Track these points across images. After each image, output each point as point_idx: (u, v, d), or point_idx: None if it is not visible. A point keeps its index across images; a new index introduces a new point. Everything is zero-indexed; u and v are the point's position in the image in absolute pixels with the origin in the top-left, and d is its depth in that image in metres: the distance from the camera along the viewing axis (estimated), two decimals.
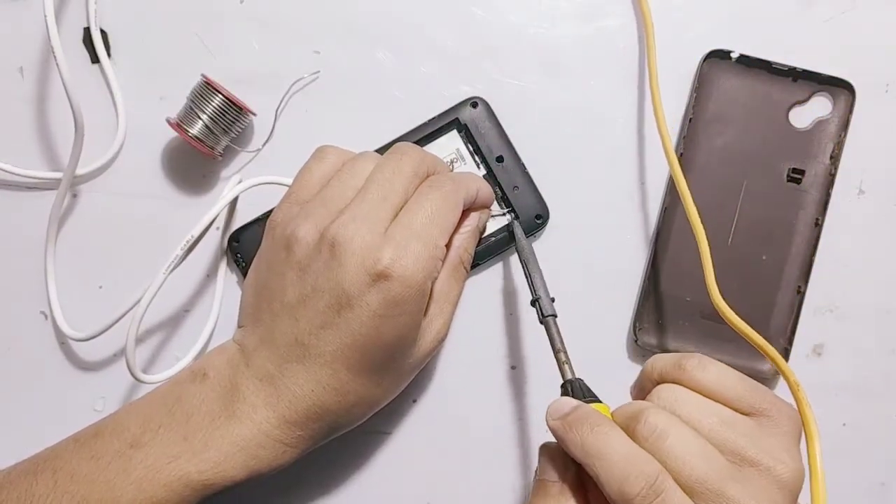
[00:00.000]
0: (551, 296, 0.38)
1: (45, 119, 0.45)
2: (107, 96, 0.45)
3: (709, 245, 0.39)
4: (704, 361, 0.33)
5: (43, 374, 0.45)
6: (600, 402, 0.34)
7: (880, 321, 0.44)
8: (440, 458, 0.44)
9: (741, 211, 0.43)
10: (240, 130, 0.43)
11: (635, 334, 0.43)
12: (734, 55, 0.43)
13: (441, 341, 0.39)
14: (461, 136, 0.44)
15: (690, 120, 0.43)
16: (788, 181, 0.43)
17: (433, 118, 0.43)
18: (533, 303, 0.38)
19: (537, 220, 0.43)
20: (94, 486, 0.34)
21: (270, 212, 0.40)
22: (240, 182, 0.42)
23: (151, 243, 0.44)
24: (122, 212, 0.45)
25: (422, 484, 0.44)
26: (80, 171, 0.44)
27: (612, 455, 0.30)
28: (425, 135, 0.43)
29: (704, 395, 0.32)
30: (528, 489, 0.43)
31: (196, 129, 0.42)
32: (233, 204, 0.44)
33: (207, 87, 0.42)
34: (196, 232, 0.40)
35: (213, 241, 0.44)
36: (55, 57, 0.40)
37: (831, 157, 0.43)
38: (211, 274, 0.44)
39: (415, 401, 0.44)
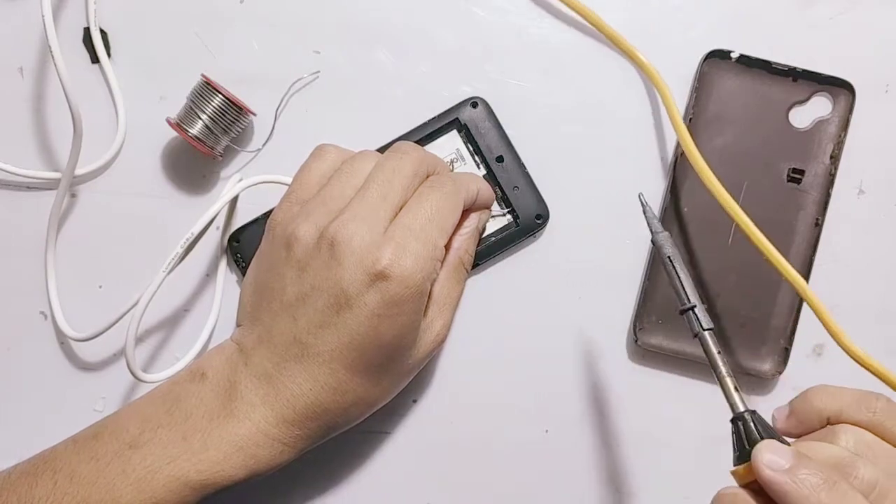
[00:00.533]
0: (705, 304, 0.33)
1: (45, 119, 0.45)
2: (107, 96, 0.45)
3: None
4: (892, 405, 0.30)
5: (43, 374, 0.45)
6: (781, 438, 0.30)
7: (880, 321, 0.44)
8: (440, 459, 0.44)
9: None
10: (240, 130, 0.43)
11: (635, 334, 0.43)
12: (734, 55, 0.43)
13: (441, 343, 0.39)
14: (461, 136, 0.44)
15: (690, 120, 0.43)
16: (788, 181, 0.43)
17: (433, 118, 0.43)
18: (683, 312, 0.33)
19: (537, 220, 0.43)
20: (93, 487, 0.34)
21: (270, 212, 0.40)
22: (240, 181, 0.42)
23: (151, 243, 0.44)
24: (122, 212, 0.45)
25: (421, 484, 0.44)
26: (80, 170, 0.44)
27: None
28: (425, 135, 0.43)
29: (894, 445, 0.29)
30: (524, 489, 0.43)
31: (196, 129, 0.42)
32: (233, 204, 0.44)
33: (207, 87, 0.42)
34: (196, 230, 0.40)
35: (214, 240, 0.44)
36: (53, 57, 0.40)
37: (831, 157, 0.43)
38: (211, 274, 0.44)
39: (415, 401, 0.44)
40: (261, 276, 0.38)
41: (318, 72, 0.45)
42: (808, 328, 0.43)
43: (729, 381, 0.31)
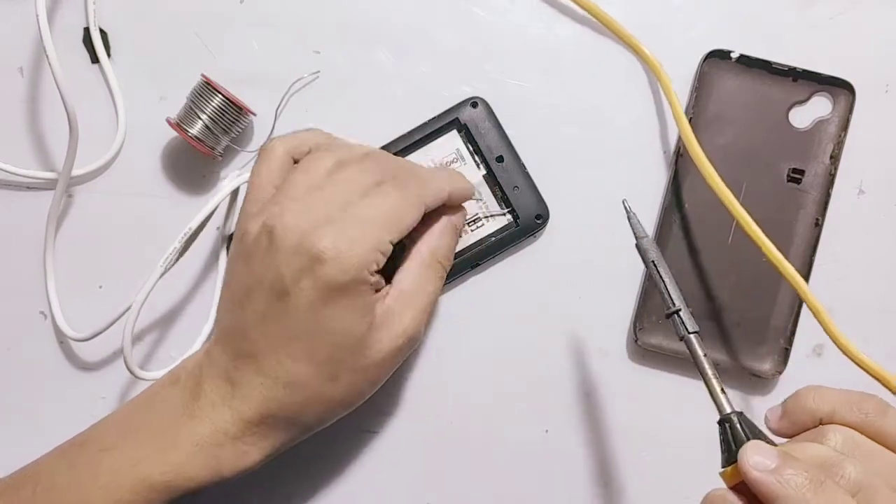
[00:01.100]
0: (690, 308, 0.33)
1: (44, 119, 0.45)
2: (107, 96, 0.45)
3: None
4: (883, 405, 0.30)
5: (43, 374, 0.45)
6: (768, 439, 0.30)
7: (880, 321, 0.44)
8: (440, 459, 0.44)
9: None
10: (240, 130, 0.43)
11: (635, 334, 0.43)
12: (734, 55, 0.43)
13: (412, 341, 0.37)
14: (461, 136, 0.44)
15: (690, 120, 0.43)
16: (788, 181, 0.43)
17: (433, 118, 0.43)
18: (669, 315, 0.33)
19: (537, 220, 0.43)
20: (67, 492, 0.34)
21: None
22: (239, 175, 0.42)
23: (151, 243, 0.44)
24: (122, 211, 0.45)
25: (421, 484, 0.44)
26: (79, 171, 0.44)
27: None
28: (425, 135, 0.43)
29: (879, 443, 0.29)
30: (520, 491, 0.43)
31: (196, 129, 0.42)
32: (232, 202, 0.44)
33: (207, 87, 0.42)
34: (194, 224, 0.40)
35: (212, 240, 0.44)
36: (48, 57, 0.40)
37: (831, 157, 0.43)
38: (209, 273, 0.44)
39: (414, 401, 0.44)
40: (224, 275, 0.38)
41: (318, 72, 0.45)
42: (808, 328, 0.43)
43: (715, 383, 0.31)
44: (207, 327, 0.43)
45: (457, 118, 0.43)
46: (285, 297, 0.34)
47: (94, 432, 0.36)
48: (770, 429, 0.32)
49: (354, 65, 0.45)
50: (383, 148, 0.43)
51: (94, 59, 0.45)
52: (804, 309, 0.42)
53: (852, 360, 0.38)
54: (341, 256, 0.33)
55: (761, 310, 0.43)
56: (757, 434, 0.30)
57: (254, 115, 0.44)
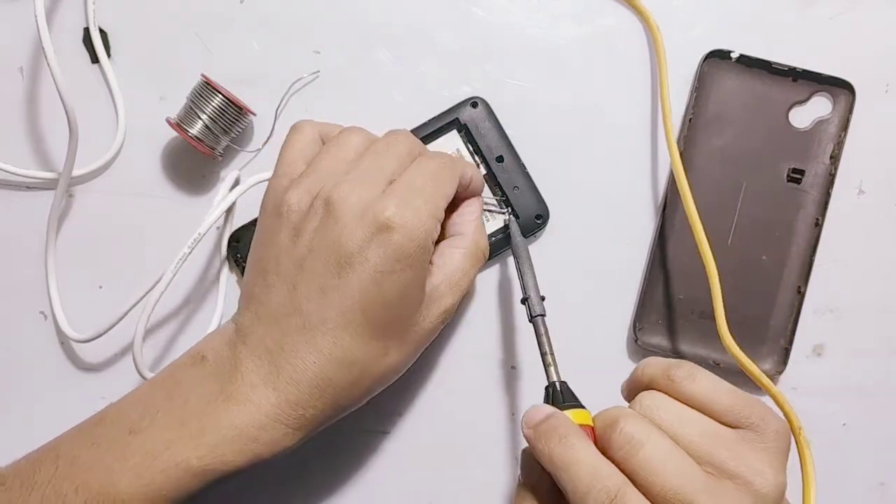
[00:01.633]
0: (542, 294, 0.38)
1: (44, 119, 0.45)
2: (107, 96, 0.45)
3: (709, 244, 0.39)
4: (694, 371, 0.32)
5: (43, 374, 0.45)
6: (582, 407, 0.34)
7: (880, 321, 0.44)
8: (440, 459, 0.44)
9: (741, 211, 0.43)
10: (240, 130, 0.43)
11: (635, 334, 0.43)
12: (734, 55, 0.43)
13: (447, 319, 0.38)
14: (461, 136, 0.44)
15: (690, 120, 0.43)
16: (788, 181, 0.43)
17: (433, 118, 0.43)
18: (523, 301, 0.38)
19: (537, 220, 0.43)
20: (92, 472, 0.33)
21: None
22: (236, 181, 0.42)
23: (151, 243, 0.44)
24: (122, 212, 0.45)
25: (421, 484, 0.44)
26: (80, 170, 0.44)
27: (577, 467, 0.30)
28: (425, 135, 0.43)
29: (691, 406, 0.32)
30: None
31: (196, 129, 0.42)
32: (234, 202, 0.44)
33: (207, 87, 0.42)
34: (203, 229, 0.39)
35: (214, 241, 0.44)
36: (46, 57, 0.40)
37: (831, 157, 0.43)
38: (211, 274, 0.44)
39: (415, 400, 0.44)
40: (255, 252, 0.37)
41: (318, 72, 0.45)
42: (808, 328, 0.43)
43: (548, 357, 0.36)
44: (211, 327, 0.43)
45: (457, 118, 0.43)
46: (347, 268, 0.34)
47: (113, 411, 0.35)
48: (623, 398, 0.35)
49: (354, 65, 0.45)
50: None
51: (94, 59, 0.45)
52: (804, 309, 0.42)
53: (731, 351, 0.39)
54: (408, 225, 0.34)
55: (761, 310, 0.43)
56: (572, 399, 0.34)
57: (254, 115, 0.44)
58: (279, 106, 0.44)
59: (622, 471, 0.30)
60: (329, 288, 0.34)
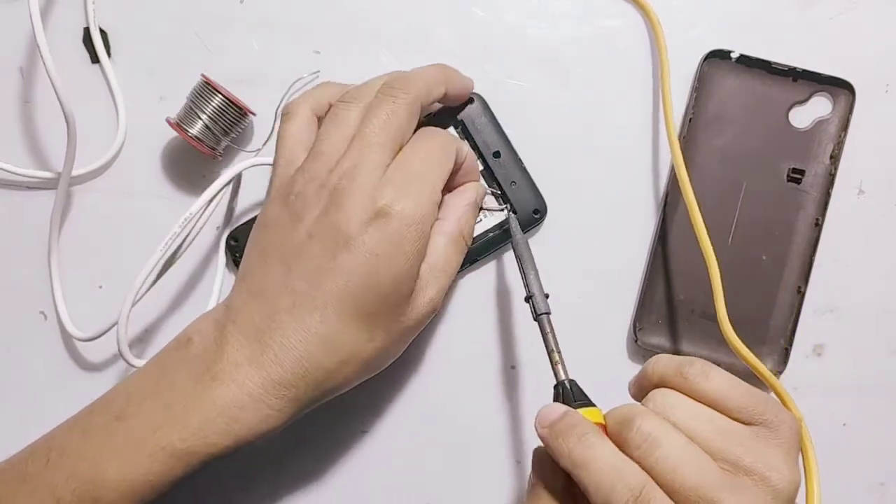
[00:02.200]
0: (546, 292, 0.38)
1: (45, 119, 0.45)
2: (107, 96, 0.45)
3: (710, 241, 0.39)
4: (707, 369, 0.32)
5: (43, 373, 0.45)
6: (593, 405, 0.34)
7: (880, 321, 0.44)
8: (438, 458, 0.44)
9: (741, 211, 0.43)
10: (240, 130, 0.43)
11: (635, 334, 0.43)
12: (734, 55, 0.43)
13: (433, 310, 0.38)
14: (458, 133, 0.44)
15: (690, 120, 0.43)
16: (788, 181, 0.43)
17: (430, 114, 0.43)
18: (527, 299, 0.38)
19: (535, 214, 0.43)
20: (81, 460, 0.33)
21: None
22: (237, 176, 0.42)
23: (151, 243, 0.44)
24: (123, 211, 0.45)
25: (421, 484, 0.44)
26: (80, 170, 0.44)
27: (598, 465, 0.30)
28: None
29: (703, 403, 0.32)
30: (523, 489, 0.43)
31: (196, 129, 0.42)
32: (233, 200, 0.44)
33: (207, 87, 0.42)
34: (194, 209, 0.39)
35: (213, 240, 0.44)
36: (42, 57, 0.40)
37: (831, 157, 0.43)
38: (210, 274, 0.44)
39: (412, 398, 0.44)
40: (256, 235, 0.37)
41: (318, 72, 0.45)
42: (808, 328, 0.43)
43: (556, 356, 0.36)
44: None
45: (454, 114, 0.43)
46: (344, 250, 0.34)
47: (105, 401, 0.36)
48: (630, 395, 0.35)
49: (354, 65, 0.45)
50: None
51: (94, 59, 0.45)
52: (804, 309, 0.42)
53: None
54: (406, 212, 0.34)
55: (761, 310, 0.43)
56: (583, 398, 0.34)
57: (254, 115, 0.44)
58: (279, 106, 0.44)
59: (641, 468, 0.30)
60: (323, 269, 0.34)
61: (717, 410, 0.32)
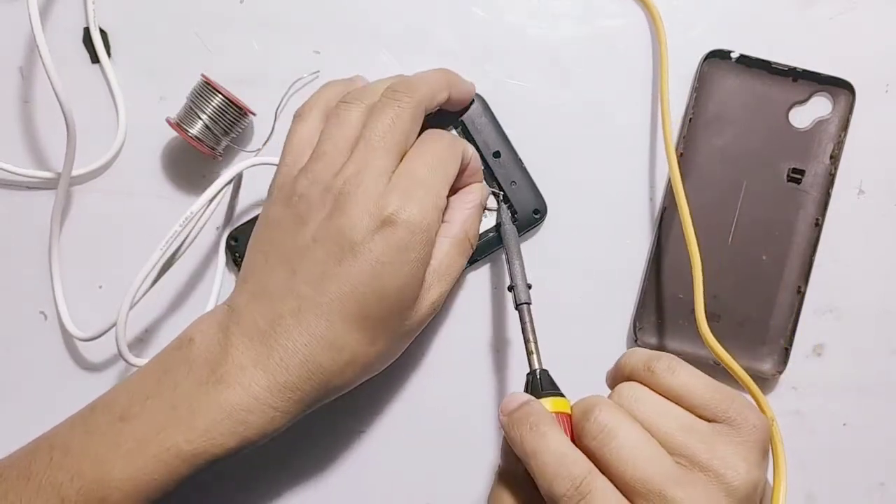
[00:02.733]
0: (529, 283, 0.38)
1: (45, 119, 0.45)
2: (107, 96, 0.45)
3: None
4: (674, 364, 0.33)
5: (43, 373, 0.45)
6: (561, 395, 0.34)
7: (880, 321, 0.44)
8: (438, 458, 0.44)
9: (741, 211, 0.43)
10: (240, 130, 0.43)
11: (635, 334, 0.43)
12: (734, 55, 0.43)
13: (435, 309, 0.38)
14: (458, 133, 0.44)
15: (690, 120, 0.43)
16: (788, 181, 0.43)
17: (430, 114, 0.43)
18: (509, 289, 0.38)
19: (535, 214, 0.43)
20: (85, 460, 0.33)
21: None
22: (237, 176, 0.42)
23: (152, 243, 0.44)
24: (123, 211, 0.45)
25: (420, 484, 0.44)
26: (80, 170, 0.44)
27: (545, 454, 0.30)
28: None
29: (669, 398, 0.32)
30: None
31: (196, 129, 0.42)
32: (233, 200, 0.44)
33: (207, 87, 0.42)
34: (195, 208, 0.40)
35: (213, 240, 0.44)
36: (41, 57, 0.40)
37: (831, 157, 0.43)
38: (210, 273, 0.44)
39: (411, 397, 0.44)
40: (259, 236, 0.37)
41: (318, 72, 0.45)
42: (808, 328, 0.43)
43: (531, 346, 0.36)
44: None
45: (454, 114, 0.43)
46: (350, 257, 0.34)
47: (107, 400, 0.36)
48: (607, 386, 0.35)
49: (354, 65, 0.45)
50: None
51: (95, 59, 0.45)
52: (804, 309, 0.42)
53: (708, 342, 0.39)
54: (412, 219, 0.34)
55: (761, 310, 0.43)
56: (551, 388, 0.35)
57: (254, 115, 0.44)
58: (279, 106, 0.44)
59: (594, 460, 0.30)
60: (328, 274, 0.34)
61: (682, 406, 0.32)
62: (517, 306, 0.38)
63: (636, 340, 0.43)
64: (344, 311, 0.34)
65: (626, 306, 0.44)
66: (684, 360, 0.42)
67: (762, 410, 0.35)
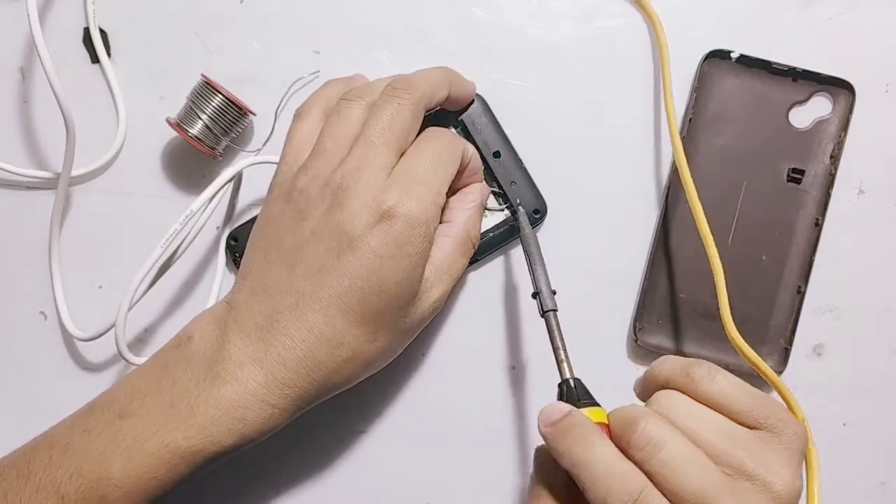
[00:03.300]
0: (553, 289, 0.38)
1: (45, 119, 0.45)
2: (107, 96, 0.45)
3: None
4: (713, 371, 0.32)
5: (43, 374, 0.45)
6: (597, 404, 0.34)
7: (880, 321, 0.44)
8: (438, 458, 0.44)
9: (741, 211, 0.43)
10: (240, 130, 0.43)
11: (635, 334, 0.43)
12: (734, 55, 0.43)
13: (437, 309, 0.38)
14: (458, 133, 0.44)
15: (690, 120, 0.43)
16: (788, 181, 0.43)
17: (430, 115, 0.43)
18: (534, 296, 0.38)
19: (535, 214, 0.43)
20: (85, 458, 0.33)
21: None
22: (237, 174, 0.42)
23: (152, 243, 0.44)
24: (123, 211, 0.45)
25: (420, 484, 0.44)
26: (80, 170, 0.44)
27: (598, 467, 0.30)
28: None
29: (708, 406, 0.32)
30: (522, 489, 0.43)
31: (196, 129, 0.42)
32: (233, 200, 0.44)
33: (207, 87, 0.42)
34: (195, 207, 0.40)
35: (213, 239, 0.44)
36: (40, 57, 0.40)
37: (831, 157, 0.43)
38: (210, 273, 0.44)
39: (411, 396, 0.44)
40: (258, 231, 0.37)
41: (318, 72, 0.45)
42: (808, 328, 0.43)
43: (561, 353, 0.36)
44: None
45: (453, 114, 0.43)
46: (348, 251, 0.34)
47: (106, 399, 0.36)
48: (636, 395, 0.35)
49: (354, 65, 0.45)
50: None
51: (95, 59, 0.45)
52: (804, 309, 0.42)
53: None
54: (411, 214, 0.34)
55: (761, 310, 0.43)
56: (587, 397, 0.34)
57: (254, 115, 0.44)
58: (279, 106, 0.44)
59: (641, 471, 0.30)
60: (327, 269, 0.34)
61: (722, 413, 0.31)
62: (543, 314, 0.37)
63: (636, 340, 0.43)
64: (342, 306, 0.34)
65: (626, 306, 0.44)
66: (703, 360, 0.43)
67: (793, 412, 0.35)
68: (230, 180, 0.41)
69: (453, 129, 0.43)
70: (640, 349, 0.43)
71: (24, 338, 0.45)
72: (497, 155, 0.43)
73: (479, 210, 0.40)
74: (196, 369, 0.35)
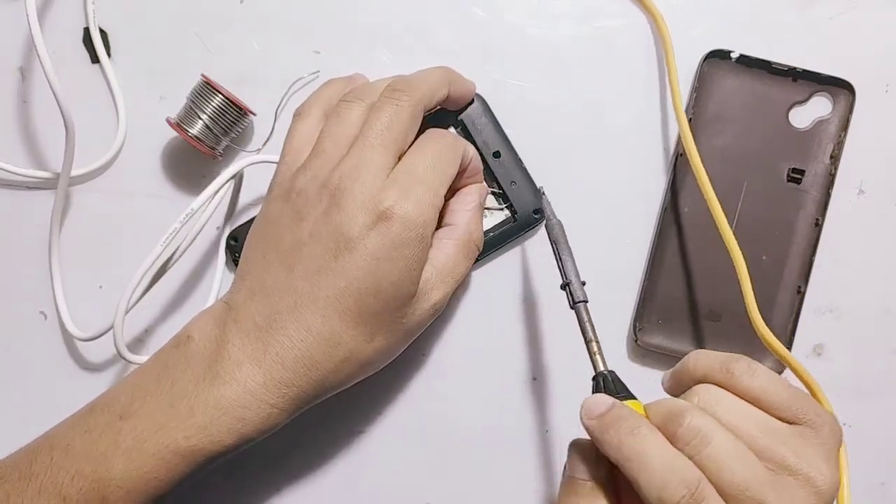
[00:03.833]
0: (583, 280, 0.37)
1: (45, 119, 0.45)
2: (107, 96, 0.45)
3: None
4: (753, 366, 0.32)
5: (43, 374, 0.45)
6: (634, 397, 0.33)
7: (880, 321, 0.44)
8: (438, 458, 0.44)
9: (741, 211, 0.43)
10: (240, 130, 0.43)
11: (635, 334, 0.43)
12: (734, 55, 0.43)
13: (437, 311, 0.38)
14: (458, 132, 0.44)
15: (690, 120, 0.43)
16: (788, 181, 0.43)
17: (430, 115, 0.43)
18: (563, 287, 0.37)
19: (535, 214, 0.43)
20: (86, 459, 0.34)
21: None
22: (238, 173, 0.42)
23: (152, 243, 0.44)
24: (123, 211, 0.45)
25: (420, 484, 0.44)
26: (80, 170, 0.44)
27: (652, 460, 0.29)
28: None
29: (747, 400, 0.31)
30: (522, 489, 0.43)
31: (196, 129, 0.42)
32: (233, 200, 0.44)
33: (207, 87, 0.42)
34: (195, 206, 0.40)
35: (213, 239, 0.44)
36: (39, 57, 0.40)
37: (831, 157, 0.43)
38: (210, 273, 0.44)
39: (411, 396, 0.44)
40: (257, 232, 0.38)
41: (318, 72, 0.45)
42: (808, 328, 0.43)
43: (594, 346, 0.35)
44: None
45: (453, 114, 0.43)
46: (346, 252, 0.34)
47: (106, 399, 0.36)
48: (664, 389, 0.35)
49: (354, 65, 0.45)
50: None
51: (95, 59, 0.45)
52: (804, 309, 0.42)
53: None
54: (408, 216, 0.34)
55: (761, 310, 0.42)
56: (623, 389, 0.33)
57: (254, 115, 0.44)
58: (279, 106, 0.44)
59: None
60: (325, 270, 0.34)
61: (761, 408, 0.31)
62: (573, 305, 0.36)
63: (636, 340, 0.43)
64: (340, 307, 0.35)
65: (626, 306, 0.44)
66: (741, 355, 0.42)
67: (826, 410, 0.35)
68: (230, 180, 0.41)
69: (453, 129, 0.44)
70: (640, 349, 0.43)
71: (24, 338, 0.45)
72: (497, 155, 0.43)
73: (479, 211, 0.40)
74: (196, 369, 0.35)
